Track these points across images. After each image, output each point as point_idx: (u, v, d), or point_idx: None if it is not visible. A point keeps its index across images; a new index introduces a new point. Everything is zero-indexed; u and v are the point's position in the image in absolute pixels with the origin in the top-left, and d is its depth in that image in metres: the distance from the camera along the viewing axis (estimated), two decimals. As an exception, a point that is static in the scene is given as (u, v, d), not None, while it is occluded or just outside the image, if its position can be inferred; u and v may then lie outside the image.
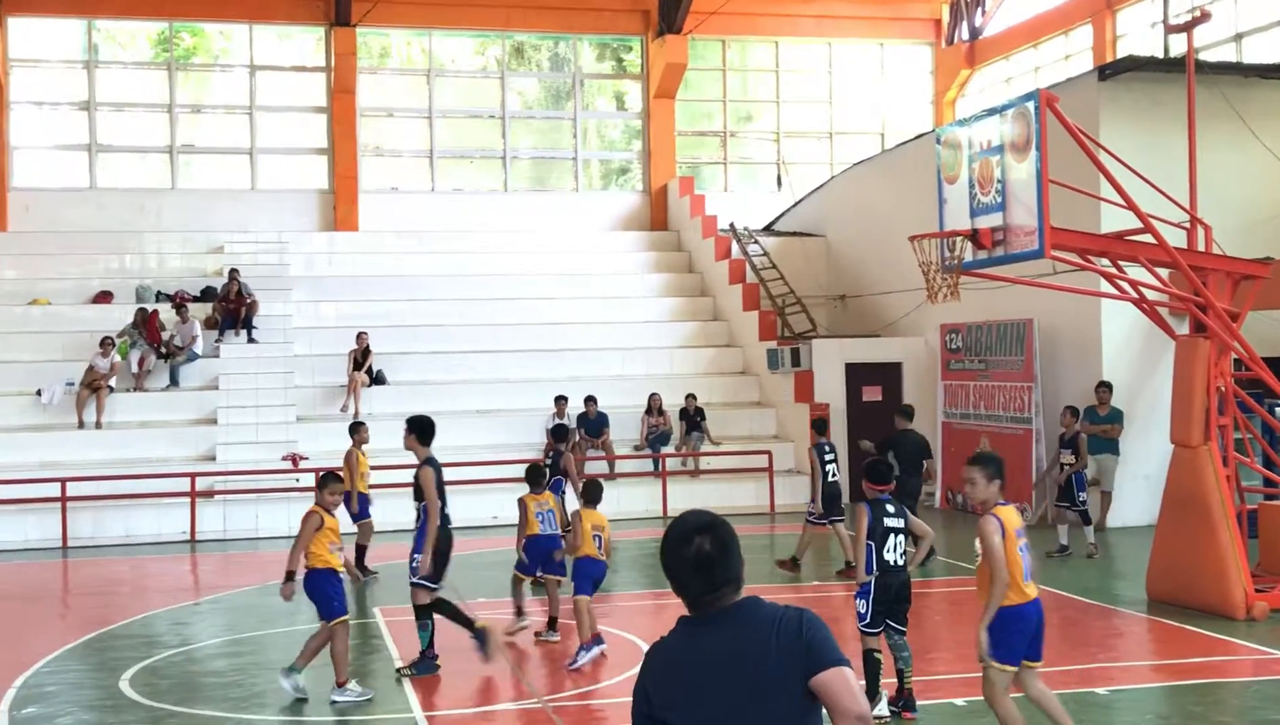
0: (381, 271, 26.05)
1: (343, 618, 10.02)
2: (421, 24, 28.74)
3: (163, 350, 22.31)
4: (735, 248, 26.53)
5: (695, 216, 27.74)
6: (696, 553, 3.67)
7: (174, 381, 22.25)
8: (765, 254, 26.31)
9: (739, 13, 28.48)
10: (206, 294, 24.34)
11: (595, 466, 21.92)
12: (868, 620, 8.93)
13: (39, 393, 21.21)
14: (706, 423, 22.21)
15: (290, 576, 9.90)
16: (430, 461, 10.92)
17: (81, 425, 20.75)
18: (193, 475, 19.51)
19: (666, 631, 3.74)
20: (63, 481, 18.75)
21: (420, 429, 11.05)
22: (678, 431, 22.35)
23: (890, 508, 9.09)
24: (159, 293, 24.39)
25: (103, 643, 12.31)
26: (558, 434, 16.51)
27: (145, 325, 22.37)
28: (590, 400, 21.70)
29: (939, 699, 9.68)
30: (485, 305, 25.08)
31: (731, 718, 3.55)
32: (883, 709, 8.89)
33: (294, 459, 20.56)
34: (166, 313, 23.20)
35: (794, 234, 27.74)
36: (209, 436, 21.10)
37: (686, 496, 21.26)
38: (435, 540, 10.61)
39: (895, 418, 17.04)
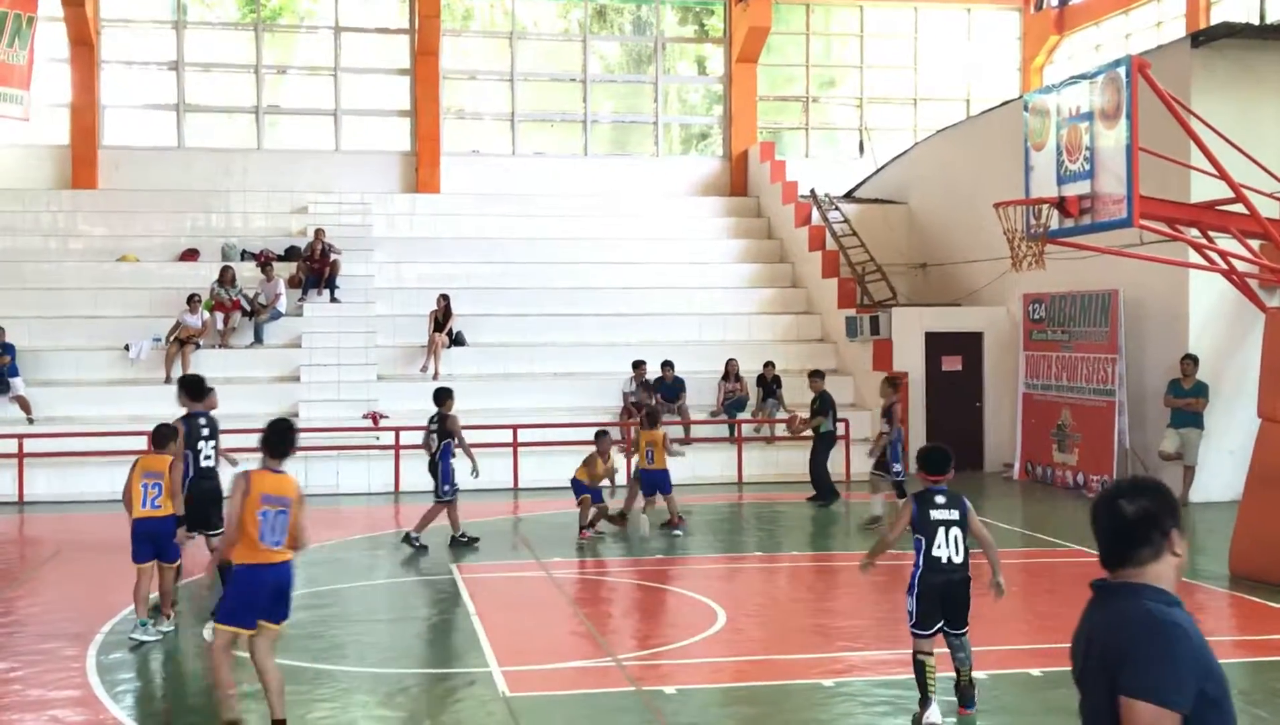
0: (462, 234, 26.22)
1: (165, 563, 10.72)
2: (505, -14, 28.76)
3: (248, 307, 22.64)
4: (815, 214, 26.35)
5: (776, 182, 27.57)
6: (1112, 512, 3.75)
7: (258, 339, 22.60)
8: (846, 221, 26.11)
9: (824, -24, 28.22)
10: (290, 253, 24.65)
11: (671, 431, 21.96)
12: (915, 620, 8.33)
13: (127, 348, 21.65)
14: (782, 390, 22.13)
15: None
16: (186, 418, 11.83)
17: (169, 380, 21.15)
18: (276, 431, 19.77)
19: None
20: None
21: (185, 387, 12.42)
22: (754, 398, 22.31)
23: (940, 498, 8.40)
24: (244, 251, 24.75)
25: (187, 592, 12.57)
26: (438, 396, 15.60)
27: (230, 282, 22.69)
28: (667, 365, 21.71)
29: (1015, 669, 9.62)
30: (564, 269, 25.16)
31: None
32: (935, 717, 8.20)
33: (374, 417, 20.82)
34: (251, 271, 23.54)
35: (875, 201, 27.49)
36: (292, 393, 21.41)
37: (761, 462, 21.28)
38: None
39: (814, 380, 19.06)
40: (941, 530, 8.28)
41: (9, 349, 20.60)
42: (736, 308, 25.00)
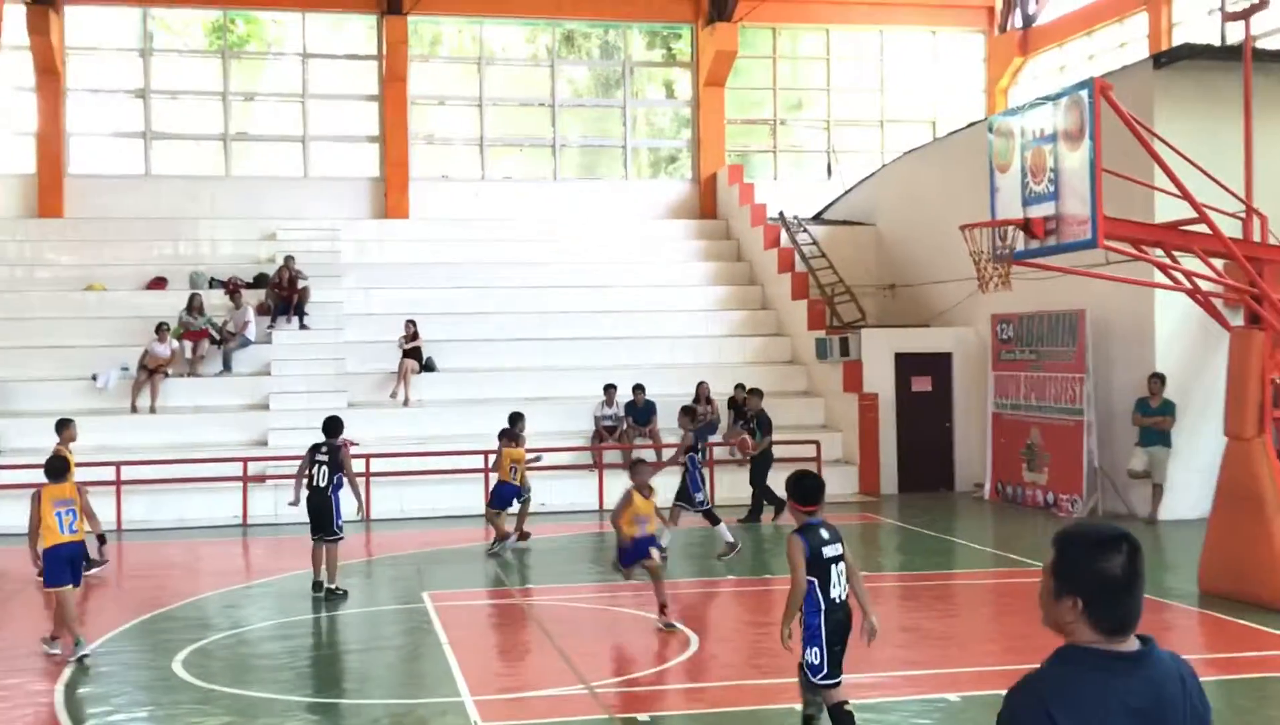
0: (432, 259, 26.18)
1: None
2: (473, 12, 28.83)
3: (216, 335, 22.53)
4: (784, 236, 26.45)
5: (744, 205, 27.68)
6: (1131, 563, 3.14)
7: (227, 367, 22.49)
8: (814, 243, 26.22)
9: (790, 0, 28.34)
10: (259, 281, 24.56)
11: (643, 454, 21.95)
12: (825, 672, 7.59)
13: (94, 377, 21.50)
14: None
15: None
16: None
17: (135, 410, 21.01)
18: (245, 460, 19.71)
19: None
20: (117, 465, 18.99)
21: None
22: (725, 420, 22.32)
23: (825, 533, 7.61)
24: (212, 279, 24.64)
25: (156, 624, 12.48)
26: (329, 426, 14.41)
27: (198, 310, 22.58)
28: (638, 388, 21.72)
29: (987, 690, 9.64)
30: (535, 293, 25.16)
31: None
32: None
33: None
34: (219, 299, 23.43)
35: (844, 223, 27.62)
36: (261, 421, 21.30)
37: (734, 485, 21.25)
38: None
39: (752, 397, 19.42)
40: (832, 568, 7.59)
41: (-26, 380, 20.43)
42: (707, 330, 25.04)
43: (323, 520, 13.69)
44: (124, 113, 27.71)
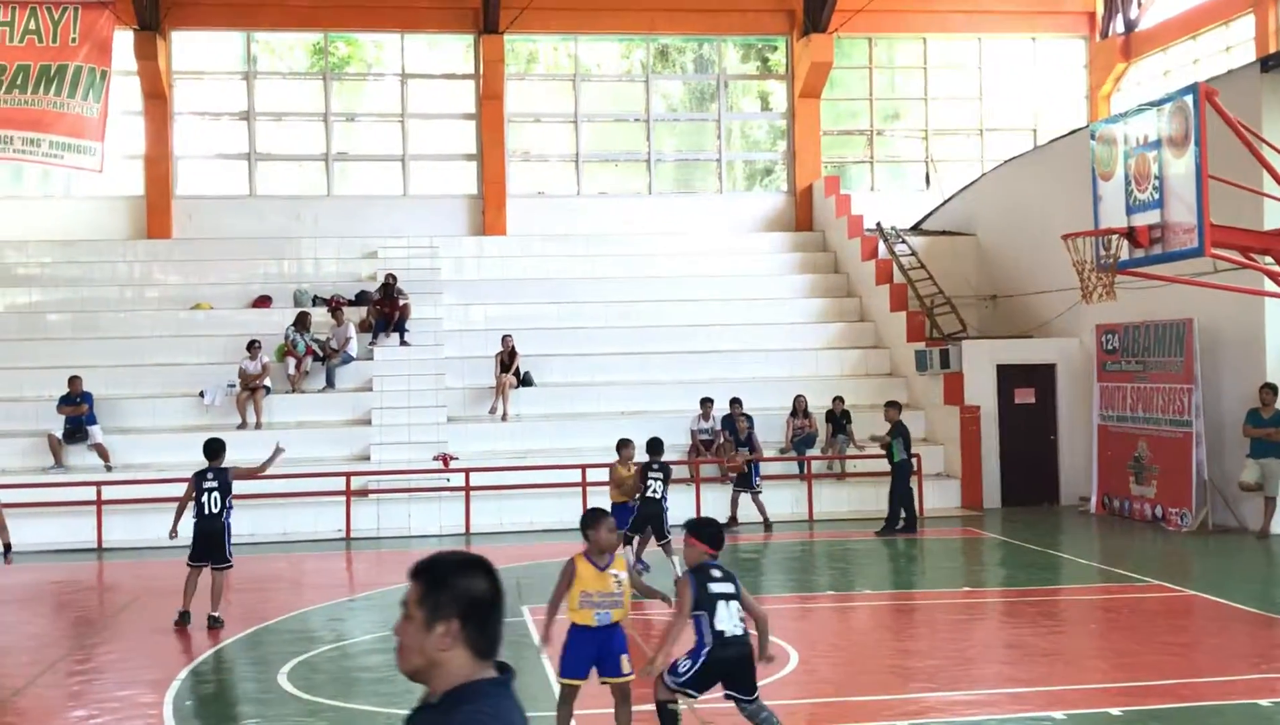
0: (529, 275, 26.39)
1: None
2: (568, 29, 29.03)
3: (320, 352, 22.93)
4: (882, 247, 26.23)
5: (841, 216, 27.50)
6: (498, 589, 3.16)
7: (330, 383, 22.85)
8: (913, 253, 25.96)
9: (886, 10, 28.13)
10: (361, 298, 24.93)
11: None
12: (687, 680, 8.00)
13: (201, 394, 21.97)
14: (852, 425, 21.99)
15: None
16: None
17: (243, 426, 21.42)
18: (348, 474, 20.01)
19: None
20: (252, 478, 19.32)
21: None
22: (823, 434, 22.18)
23: (716, 573, 8.09)
24: (315, 297, 25.07)
25: (261, 638, 12.69)
26: (212, 448, 13.44)
27: (305, 327, 22.99)
28: (735, 402, 21.66)
29: (1094, 709, 9.43)
30: (630, 307, 25.23)
31: None
32: None
33: (445, 459, 20.95)
34: (322, 316, 23.83)
35: (943, 233, 27.31)
36: (363, 437, 21.62)
37: (832, 499, 21.13)
38: None
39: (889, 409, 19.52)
40: (721, 604, 7.98)
41: (87, 398, 20.99)
42: (804, 343, 24.90)
43: (212, 547, 13.06)
44: (229, 135, 28.34)
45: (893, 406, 19.74)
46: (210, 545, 13.06)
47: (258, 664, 11.46)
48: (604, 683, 8.43)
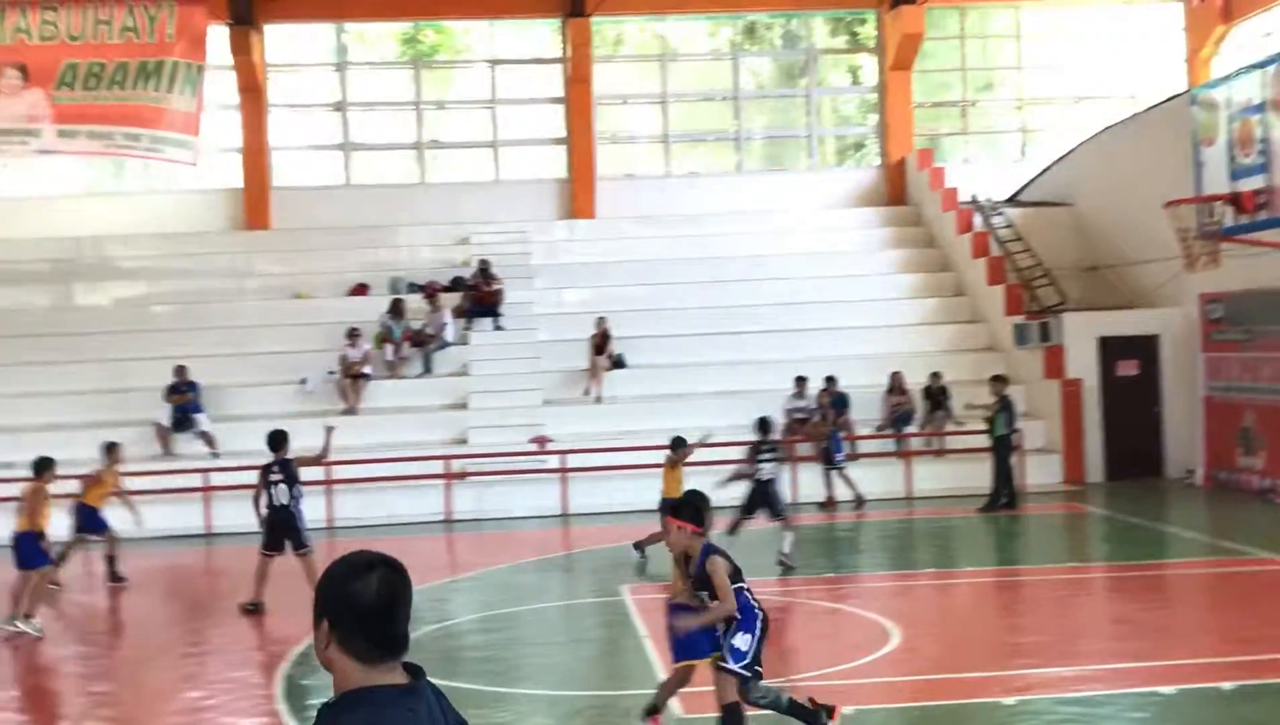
0: (619, 257, 26.41)
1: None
2: (655, 9, 28.96)
3: (416, 338, 23.21)
4: (978, 220, 25.85)
5: (935, 190, 27.14)
6: (395, 590, 3.01)
7: (427, 369, 23.11)
8: (1010, 226, 25.56)
9: (977, -21, 27.71)
10: (455, 284, 25.15)
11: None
12: (751, 658, 7.63)
13: (303, 381, 22.35)
14: (950, 401, 21.75)
15: None
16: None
17: (352, 412, 21.78)
18: (446, 458, 20.24)
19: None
20: (328, 464, 19.67)
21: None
22: (921, 410, 21.96)
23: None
24: (411, 284, 25.35)
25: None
26: (277, 440, 13.87)
27: (401, 315, 23.29)
28: (830, 380, 21.53)
29: (1204, 683, 9.25)
30: (722, 287, 25.16)
31: None
32: None
33: (541, 441, 21.10)
34: (418, 303, 24.10)
35: (1040, 204, 26.85)
36: (461, 420, 21.84)
37: (930, 476, 20.92)
38: None
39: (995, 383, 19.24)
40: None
41: (193, 386, 21.46)
42: (900, 319, 24.65)
43: (288, 533, 13.40)
44: (322, 125, 28.73)
45: (998, 380, 19.48)
46: (284, 533, 13.41)
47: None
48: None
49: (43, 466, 13.63)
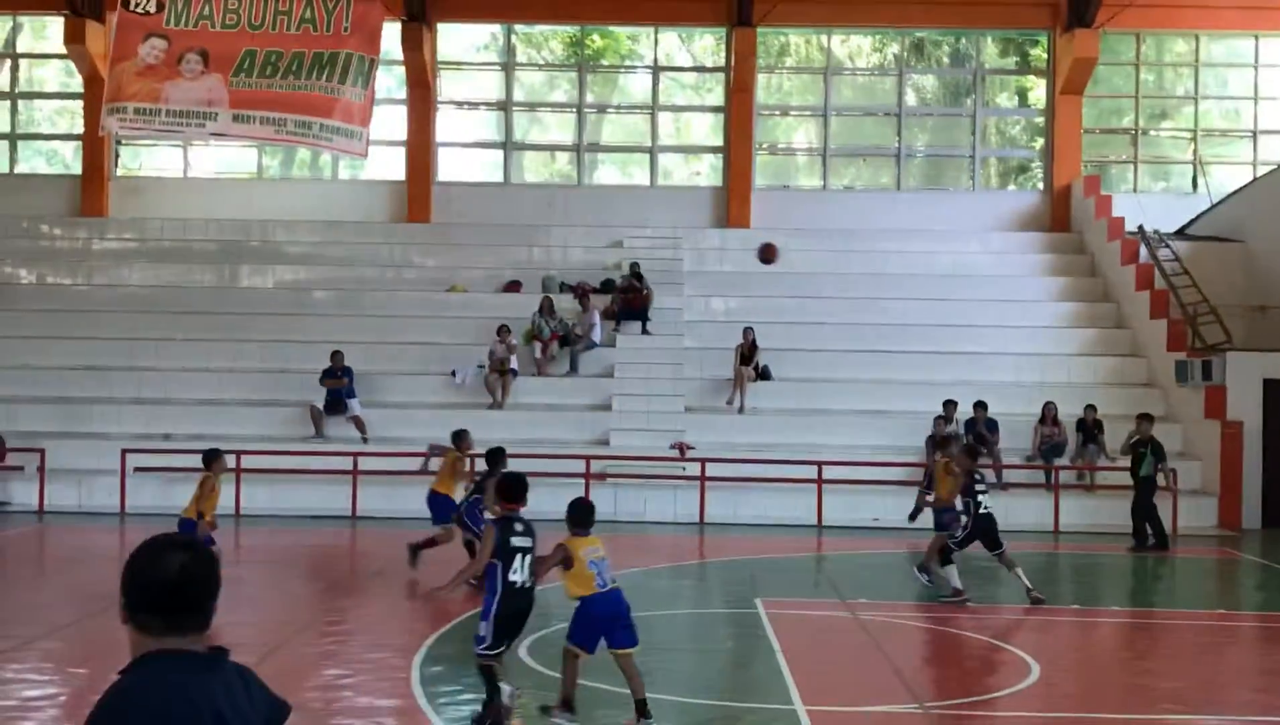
0: (771, 268, 26.33)
1: None
2: (821, 22, 28.81)
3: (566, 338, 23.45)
4: (1144, 251, 25.13)
5: (1101, 218, 26.46)
6: (185, 569, 3.14)
7: (574, 368, 23.32)
8: (1177, 259, 24.79)
9: (1156, 4, 26.92)
10: (605, 286, 25.34)
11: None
12: (489, 643, 8.53)
13: (453, 373, 22.74)
14: (1104, 435, 21.15)
15: None
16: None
17: (500, 406, 22.10)
18: (588, 458, 20.38)
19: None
20: (471, 458, 19.95)
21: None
22: (1073, 443, 21.41)
23: (519, 526, 8.71)
24: (562, 283, 25.61)
25: (503, 611, 13.01)
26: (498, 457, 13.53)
27: (549, 313, 23.53)
28: (980, 406, 21.13)
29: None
30: (874, 304, 24.89)
31: None
32: (506, 696, 8.69)
33: (682, 448, 21.12)
34: (568, 303, 24.33)
35: (1210, 238, 26.00)
36: (604, 422, 21.98)
37: (1079, 511, 20.39)
38: None
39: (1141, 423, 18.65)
40: (519, 556, 8.60)
41: (347, 372, 21.99)
42: (1056, 348, 24.10)
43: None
44: (487, 124, 29.21)
45: (1146, 419, 18.90)
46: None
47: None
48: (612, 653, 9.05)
49: (211, 457, 14.12)
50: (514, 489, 8.97)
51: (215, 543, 13.79)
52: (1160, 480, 18.62)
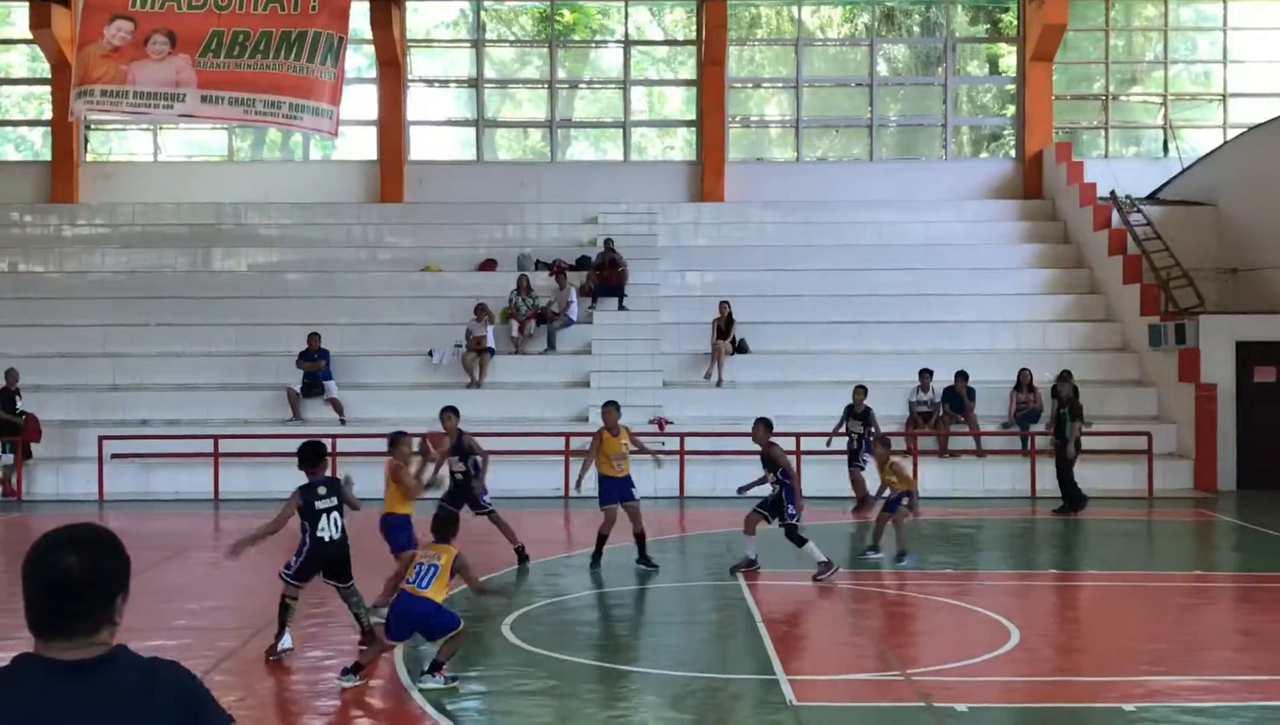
0: (746, 241, 26.35)
1: None
2: (791, -7, 28.77)
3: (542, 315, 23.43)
4: (1116, 217, 25.24)
5: (1072, 184, 26.56)
6: (61, 571, 2.91)
7: (551, 346, 23.32)
8: (1149, 224, 24.91)
9: (1125, -31, 26.99)
10: (581, 262, 25.31)
11: (961, 442, 21.49)
12: (294, 572, 9.93)
13: (430, 353, 22.71)
14: (1079, 400, 21.24)
15: None
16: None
17: (471, 385, 22.07)
18: (566, 435, 20.39)
19: None
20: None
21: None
22: (1049, 409, 21.52)
23: (322, 489, 9.87)
24: (538, 261, 25.57)
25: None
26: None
27: (526, 291, 23.51)
28: (961, 375, 21.23)
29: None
30: (849, 275, 24.95)
31: None
32: (287, 643, 10.13)
33: (660, 423, 21.15)
34: (544, 281, 24.29)
35: (1181, 202, 26.12)
36: (582, 398, 21.99)
37: (1055, 477, 20.48)
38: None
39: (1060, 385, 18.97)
40: (324, 516, 9.83)
41: (323, 354, 21.93)
42: (1031, 315, 24.21)
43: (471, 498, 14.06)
44: (458, 102, 29.09)
45: (1061, 379, 19.17)
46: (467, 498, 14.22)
47: (483, 616, 11.80)
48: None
49: (395, 440, 11.99)
50: (310, 456, 10.01)
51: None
52: (1070, 450, 18.32)
